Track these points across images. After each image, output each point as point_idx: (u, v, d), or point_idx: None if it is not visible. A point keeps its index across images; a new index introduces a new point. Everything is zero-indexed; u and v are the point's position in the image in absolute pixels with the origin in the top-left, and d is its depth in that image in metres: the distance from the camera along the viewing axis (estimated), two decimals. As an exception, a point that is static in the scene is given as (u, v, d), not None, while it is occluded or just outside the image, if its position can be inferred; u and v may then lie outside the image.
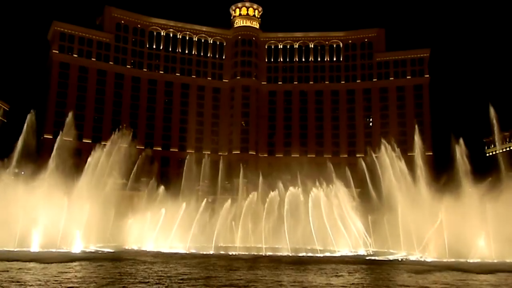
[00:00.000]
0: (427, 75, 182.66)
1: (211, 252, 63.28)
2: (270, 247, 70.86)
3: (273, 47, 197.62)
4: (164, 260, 48.68)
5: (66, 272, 35.93)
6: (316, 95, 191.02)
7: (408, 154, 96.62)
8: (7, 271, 35.48)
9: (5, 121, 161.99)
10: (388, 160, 66.19)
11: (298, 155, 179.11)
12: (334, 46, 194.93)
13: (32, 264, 40.76)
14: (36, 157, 63.33)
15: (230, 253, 62.39)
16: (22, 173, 64.39)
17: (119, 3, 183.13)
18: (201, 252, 62.71)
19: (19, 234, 56.74)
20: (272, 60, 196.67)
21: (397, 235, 65.63)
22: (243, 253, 63.23)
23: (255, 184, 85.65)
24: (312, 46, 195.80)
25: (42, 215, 58.02)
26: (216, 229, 70.55)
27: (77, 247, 58.28)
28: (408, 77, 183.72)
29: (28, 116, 65.17)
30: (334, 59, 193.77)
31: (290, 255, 60.70)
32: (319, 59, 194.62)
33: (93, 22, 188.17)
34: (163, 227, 69.43)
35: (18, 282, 29.76)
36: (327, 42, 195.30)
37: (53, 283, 29.46)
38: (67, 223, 59.34)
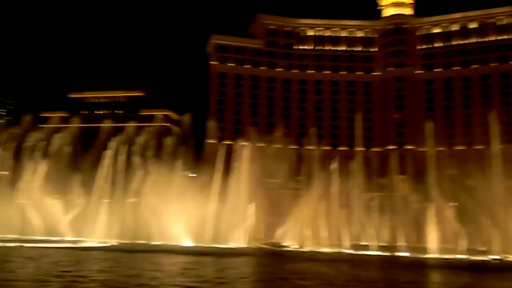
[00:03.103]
0: None
1: (378, 253, 60.26)
2: (411, 246, 65.58)
3: (427, 32, 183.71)
4: (322, 260, 48.37)
5: (237, 266, 37.98)
6: (481, 79, 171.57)
7: None
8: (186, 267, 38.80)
9: (177, 129, 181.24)
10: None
11: (464, 147, 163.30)
12: (504, 23, 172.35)
13: (206, 258, 44.23)
14: (201, 160, 69.40)
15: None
16: (190, 175, 70.89)
17: (270, 10, 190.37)
18: (362, 252, 60.66)
19: (186, 229, 62.26)
20: (427, 46, 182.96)
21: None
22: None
23: (414, 180, 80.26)
24: (474, 27, 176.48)
25: (211, 213, 62.94)
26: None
27: (242, 243, 61.66)
28: None
29: (208, 123, 72.06)
30: (506, 36, 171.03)
31: (439, 256, 54.87)
32: (483, 40, 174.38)
33: (246, 30, 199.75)
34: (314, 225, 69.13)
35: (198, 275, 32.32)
36: (492, 20, 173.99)
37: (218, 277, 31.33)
38: (232, 221, 63.18)
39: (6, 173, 74.52)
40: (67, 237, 63.52)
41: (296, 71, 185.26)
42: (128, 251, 50.48)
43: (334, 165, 73.73)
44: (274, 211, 68.69)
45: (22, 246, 52.08)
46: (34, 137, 76.86)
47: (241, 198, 63.97)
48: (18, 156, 73.44)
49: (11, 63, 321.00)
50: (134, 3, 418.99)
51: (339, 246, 65.07)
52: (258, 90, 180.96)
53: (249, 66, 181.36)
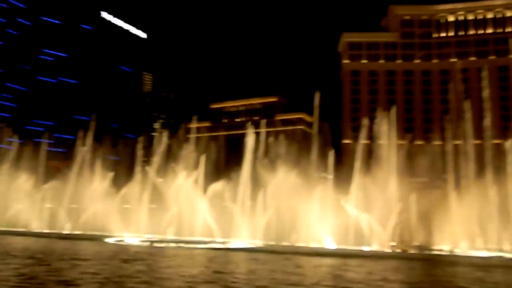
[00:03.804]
0: None
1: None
2: None
3: None
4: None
5: (383, 271, 36.61)
6: None
7: None
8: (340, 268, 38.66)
9: (311, 131, 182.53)
10: None
11: None
12: None
13: (351, 261, 43.48)
14: (338, 162, 68.86)
15: None
16: (327, 176, 70.63)
17: (401, 1, 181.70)
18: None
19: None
20: None
21: None
22: None
23: None
24: None
25: (352, 215, 61.78)
26: None
27: (388, 246, 59.24)
28: None
29: (343, 123, 71.33)
30: None
31: None
32: None
33: (378, 24, 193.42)
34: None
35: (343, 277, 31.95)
36: None
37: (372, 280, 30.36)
38: (376, 223, 61.15)
39: (162, 180, 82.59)
40: (217, 238, 67.93)
41: (436, 61, 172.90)
42: (273, 252, 52.01)
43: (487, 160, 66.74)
44: (421, 211, 64.61)
45: (179, 246, 57.17)
46: (184, 147, 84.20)
47: (384, 199, 61.53)
48: (169, 164, 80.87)
49: (161, 81, 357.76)
50: (264, 11, 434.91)
51: (499, 250, 58.51)
52: (394, 85, 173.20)
53: (383, 61, 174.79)
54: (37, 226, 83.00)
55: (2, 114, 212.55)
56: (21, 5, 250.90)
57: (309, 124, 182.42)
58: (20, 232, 78.68)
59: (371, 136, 76.36)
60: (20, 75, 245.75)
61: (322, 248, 58.10)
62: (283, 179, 68.75)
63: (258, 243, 61.80)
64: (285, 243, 61.06)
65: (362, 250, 55.84)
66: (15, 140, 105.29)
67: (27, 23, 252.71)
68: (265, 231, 65.93)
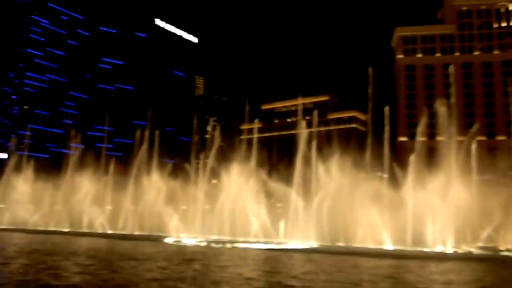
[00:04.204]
0: None
1: None
2: None
3: None
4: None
5: (445, 272, 35.12)
6: None
7: None
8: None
9: (364, 129, 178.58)
10: None
11: None
12: None
13: (407, 262, 42.09)
14: (393, 160, 66.70)
15: None
16: (383, 175, 68.70)
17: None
18: None
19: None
20: None
21: None
22: None
23: None
24: None
25: (411, 214, 59.62)
26: None
27: (449, 247, 56.72)
28: None
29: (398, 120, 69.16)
30: None
31: None
32: None
33: (433, 17, 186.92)
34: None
35: (396, 279, 30.97)
36: None
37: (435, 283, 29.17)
38: (436, 222, 58.71)
39: (215, 181, 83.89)
40: (272, 239, 67.88)
41: (497, 52, 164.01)
42: (329, 253, 51.30)
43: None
44: (485, 210, 61.24)
45: (234, 246, 57.74)
46: (236, 148, 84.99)
47: (445, 198, 58.89)
48: (222, 165, 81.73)
49: (213, 84, 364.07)
50: (315, 9, 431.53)
51: None
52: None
53: (439, 55, 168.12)
54: (99, 227, 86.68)
55: (66, 121, 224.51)
56: (79, 16, 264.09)
57: (363, 123, 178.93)
58: (85, 233, 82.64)
59: (429, 133, 73.28)
60: (81, 83, 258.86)
61: (379, 248, 56.49)
62: (337, 179, 67.55)
63: (312, 243, 61.09)
64: (340, 244, 59.98)
65: (421, 251, 53.76)
66: (78, 146, 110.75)
67: (86, 33, 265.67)
68: (319, 231, 65.02)
